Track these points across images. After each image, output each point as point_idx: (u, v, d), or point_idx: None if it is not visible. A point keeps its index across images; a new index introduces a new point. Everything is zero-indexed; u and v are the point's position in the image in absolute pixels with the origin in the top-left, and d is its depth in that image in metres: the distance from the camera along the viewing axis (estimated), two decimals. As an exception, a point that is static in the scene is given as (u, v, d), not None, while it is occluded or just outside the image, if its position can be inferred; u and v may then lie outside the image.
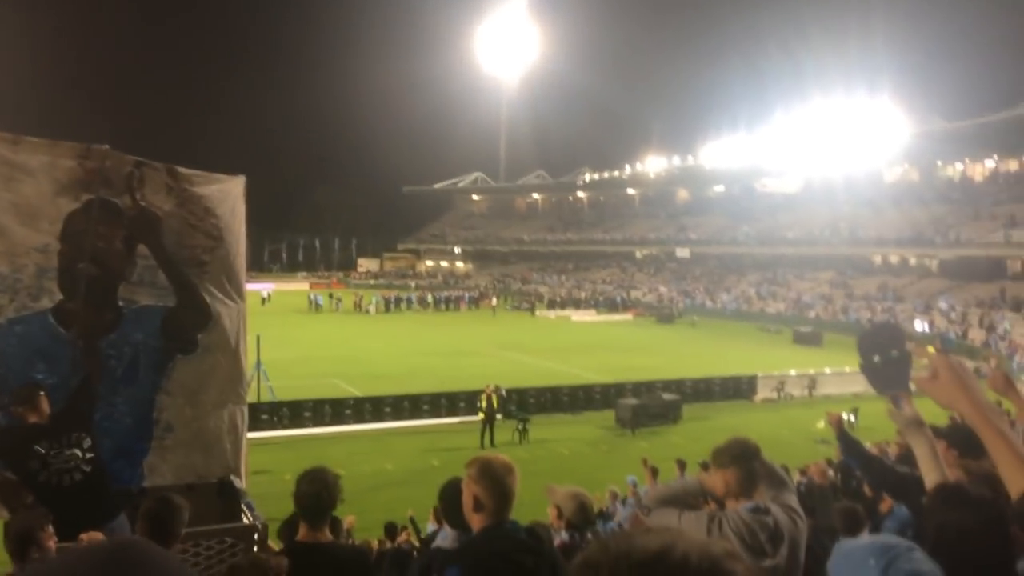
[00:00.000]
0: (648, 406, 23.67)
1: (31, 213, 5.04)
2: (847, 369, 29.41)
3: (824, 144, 61.54)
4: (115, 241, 5.29)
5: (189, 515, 5.55)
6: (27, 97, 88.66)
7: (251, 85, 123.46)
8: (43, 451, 4.58)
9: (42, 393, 4.71)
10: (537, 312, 61.85)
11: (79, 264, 5.17)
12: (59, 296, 5.16)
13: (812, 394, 28.12)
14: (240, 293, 5.84)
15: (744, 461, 3.32)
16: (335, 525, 5.50)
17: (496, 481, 3.00)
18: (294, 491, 3.67)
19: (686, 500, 3.46)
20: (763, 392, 27.99)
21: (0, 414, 5.01)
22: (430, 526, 9.95)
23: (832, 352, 37.86)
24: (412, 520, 11.06)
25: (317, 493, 3.61)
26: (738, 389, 27.99)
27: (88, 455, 4.72)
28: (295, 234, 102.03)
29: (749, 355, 37.20)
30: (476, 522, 3.03)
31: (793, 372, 29.61)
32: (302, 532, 3.71)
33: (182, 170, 5.51)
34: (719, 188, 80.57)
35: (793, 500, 3.38)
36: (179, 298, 5.52)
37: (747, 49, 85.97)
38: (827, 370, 29.68)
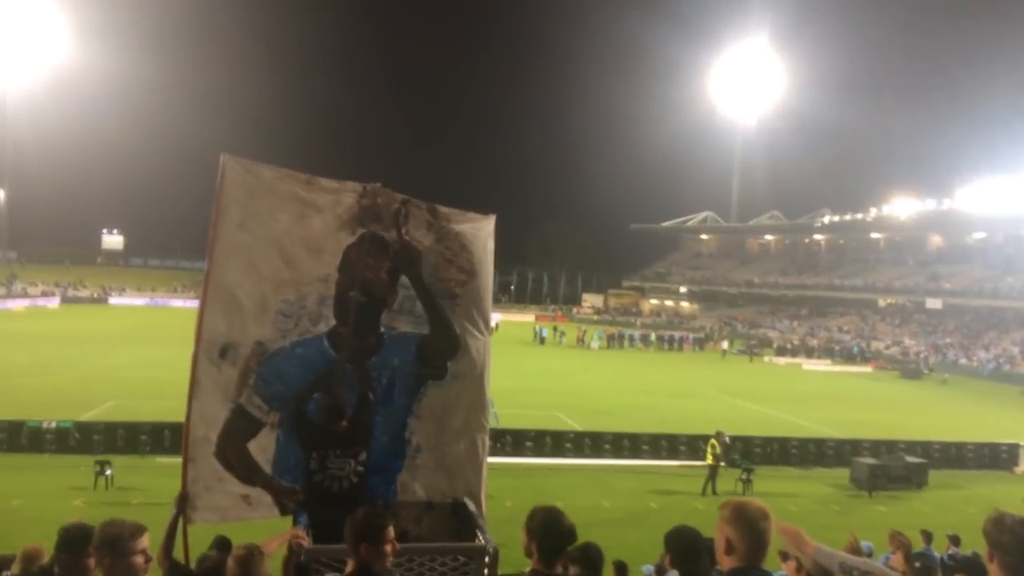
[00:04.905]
0: (889, 467, 21.77)
1: (318, 246, 5.63)
2: None
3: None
4: (381, 272, 5.77)
5: (426, 531, 5.90)
6: (303, 137, 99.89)
7: (486, 122, 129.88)
8: (325, 456, 5.09)
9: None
10: (765, 358, 59.19)
11: (350, 292, 5.72)
12: (333, 321, 5.73)
13: (1088, 472, 24.57)
14: (487, 326, 6.17)
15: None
16: (590, 555, 5.39)
17: (750, 525, 3.02)
18: (527, 525, 3.71)
19: None
20: (1027, 465, 24.85)
21: (285, 427, 5.61)
22: (645, 568, 9.78)
23: (1115, 426, 32.94)
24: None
25: (554, 534, 3.66)
26: (996, 458, 25.02)
27: (359, 468, 5.19)
28: (524, 267, 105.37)
29: (1010, 421, 33.24)
30: (726, 565, 3.06)
31: (1065, 445, 26.02)
32: (535, 563, 3.77)
33: (441, 208, 5.92)
34: (979, 235, 72.98)
35: None
36: (433, 327, 5.91)
37: (1012, 82, 76.89)
38: (1107, 446, 25.84)
